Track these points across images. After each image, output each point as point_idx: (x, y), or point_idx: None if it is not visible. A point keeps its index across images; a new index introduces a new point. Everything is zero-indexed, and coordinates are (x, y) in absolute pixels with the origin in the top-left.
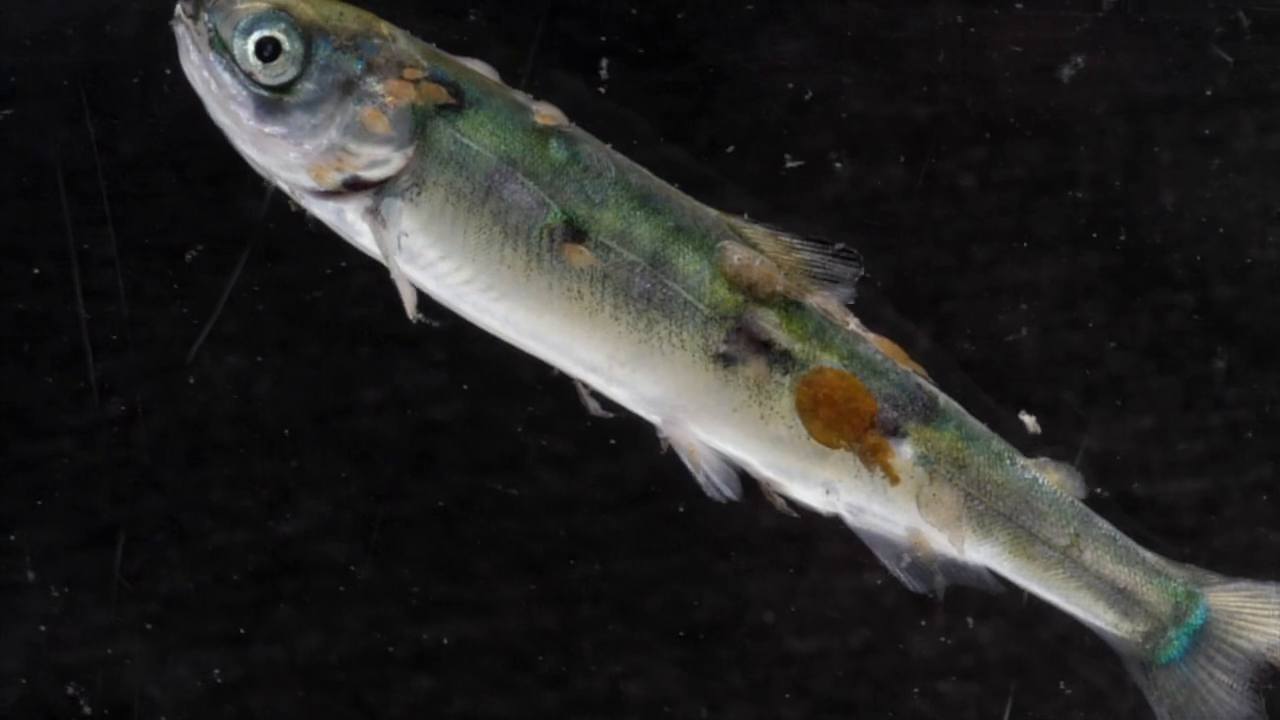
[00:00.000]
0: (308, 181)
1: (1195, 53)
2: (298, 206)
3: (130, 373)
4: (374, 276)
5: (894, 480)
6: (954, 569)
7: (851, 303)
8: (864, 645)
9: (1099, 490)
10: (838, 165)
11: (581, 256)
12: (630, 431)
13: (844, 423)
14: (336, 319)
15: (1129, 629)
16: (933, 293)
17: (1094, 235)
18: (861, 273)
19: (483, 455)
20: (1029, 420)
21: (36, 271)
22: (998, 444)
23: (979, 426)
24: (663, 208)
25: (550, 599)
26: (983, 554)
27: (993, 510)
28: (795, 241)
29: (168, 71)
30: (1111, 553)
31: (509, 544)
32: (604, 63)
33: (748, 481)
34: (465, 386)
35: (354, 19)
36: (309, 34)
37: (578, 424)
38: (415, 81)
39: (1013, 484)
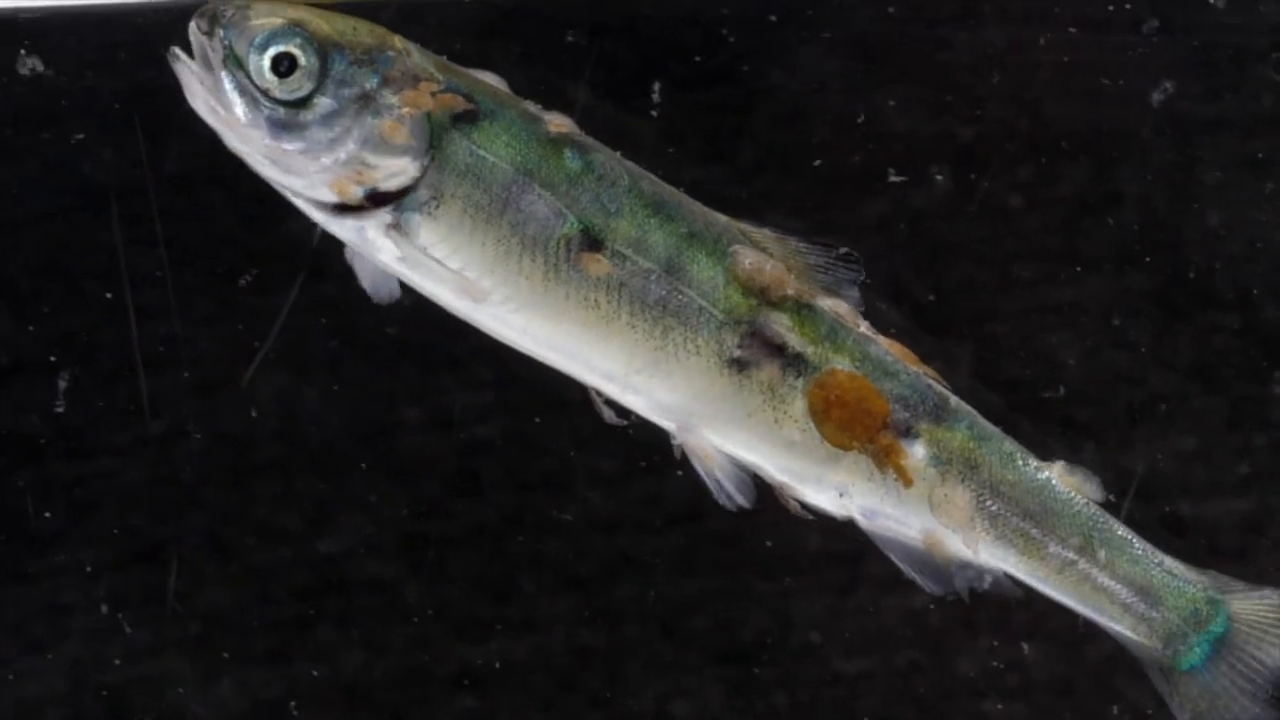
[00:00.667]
0: (330, 196)
1: (1243, 74)
2: (287, 231)
3: (175, 391)
4: (420, 295)
5: (907, 482)
6: (971, 572)
7: (862, 309)
8: (910, 666)
9: (1163, 508)
10: (888, 181)
11: (599, 265)
12: (676, 450)
13: (856, 424)
14: (382, 337)
15: (1148, 634)
16: (977, 312)
17: (1139, 256)
18: (861, 277)
19: (528, 474)
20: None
21: (82, 291)
22: (1010, 445)
23: (991, 427)
24: (675, 214)
25: (595, 618)
26: (997, 556)
27: (1005, 511)
28: (801, 245)
29: None
30: (1128, 556)
31: (554, 563)
32: (656, 86)
33: (767, 493)
34: (510, 405)
35: (368, 33)
36: (324, 49)
37: (623, 443)
38: (431, 93)
39: (1026, 484)
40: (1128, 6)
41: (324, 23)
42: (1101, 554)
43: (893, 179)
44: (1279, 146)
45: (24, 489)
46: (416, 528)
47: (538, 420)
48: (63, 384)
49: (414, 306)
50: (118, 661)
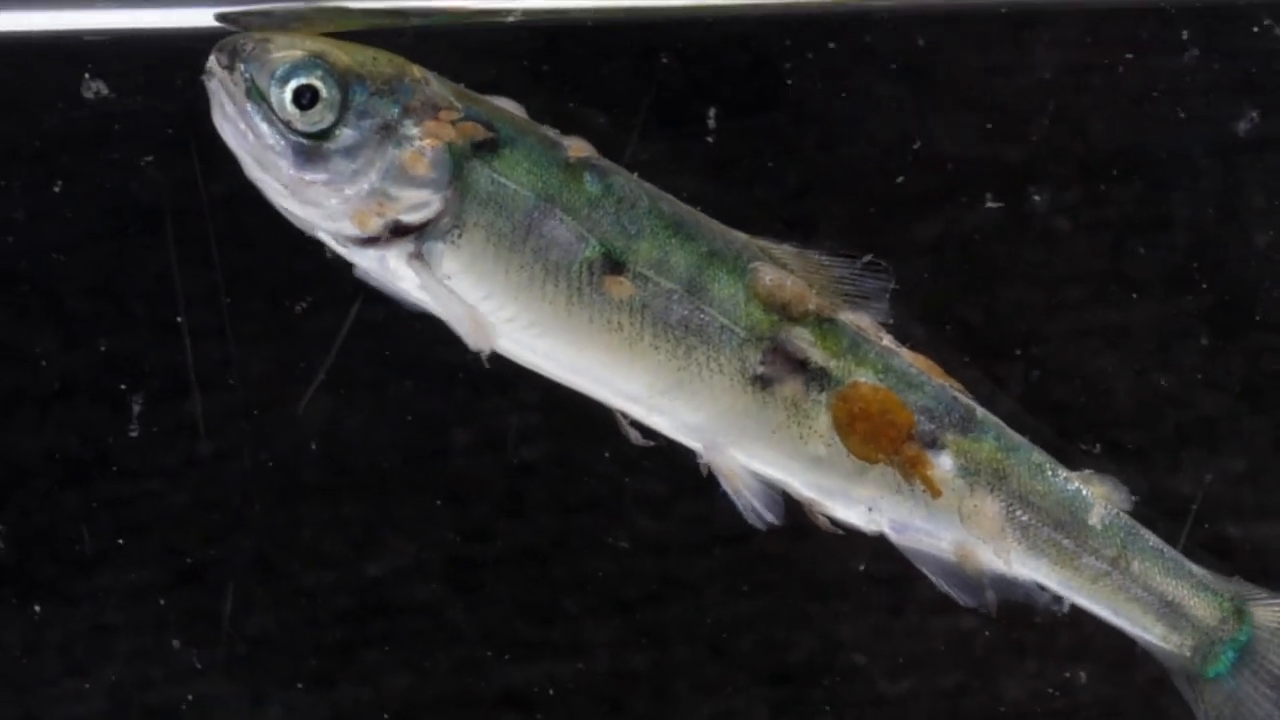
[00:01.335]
0: (351, 229)
1: None
2: (334, 255)
3: (223, 414)
4: None
5: (935, 493)
6: (1004, 584)
7: (890, 321)
8: (956, 687)
9: (1212, 530)
10: (985, 205)
11: (621, 288)
12: (702, 469)
13: (881, 436)
14: (428, 360)
15: (1177, 642)
16: (1025, 334)
17: (1188, 278)
18: (892, 285)
19: (574, 497)
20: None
21: (133, 313)
22: (1038, 455)
23: (1018, 437)
24: (695, 234)
25: (641, 640)
26: (1030, 567)
27: (1036, 521)
28: (824, 259)
29: None
30: (1159, 565)
31: (600, 585)
32: (711, 111)
33: (795, 508)
34: (557, 427)
35: (387, 63)
36: (345, 80)
37: (670, 465)
38: (452, 122)
39: (1056, 494)
40: (1177, 29)
41: (344, 54)
42: (1135, 564)
43: (990, 204)
44: None
45: (72, 510)
46: (463, 550)
47: (584, 442)
48: (136, 408)
49: None
50: (163, 684)
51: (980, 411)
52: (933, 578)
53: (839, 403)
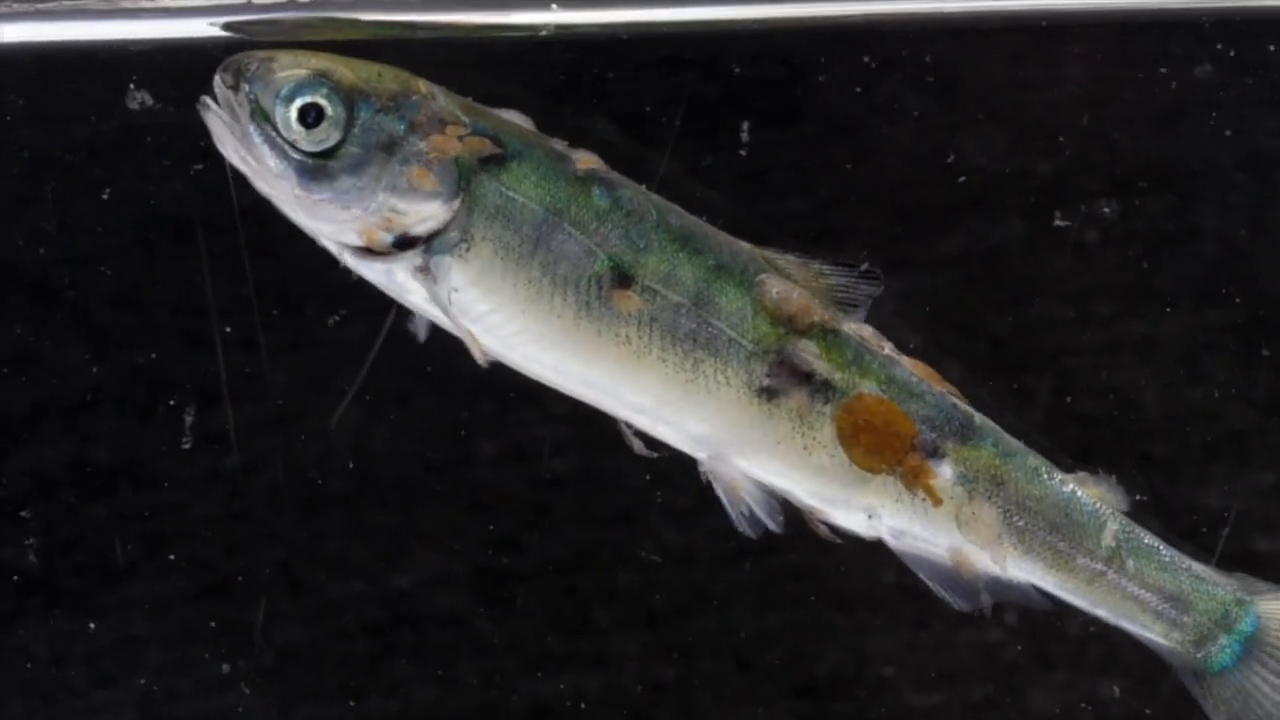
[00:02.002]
0: (358, 243)
1: None
2: (344, 266)
3: (250, 425)
4: None
5: (936, 502)
6: (999, 587)
7: (866, 320)
8: (984, 700)
9: (1241, 544)
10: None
11: (630, 302)
12: (702, 477)
13: (884, 447)
14: (455, 371)
15: (1179, 638)
16: (1054, 347)
17: (1218, 290)
18: (879, 291)
19: (601, 509)
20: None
21: (159, 323)
22: (1035, 459)
23: (1016, 443)
24: (703, 247)
25: (668, 653)
26: (1025, 570)
27: (1033, 525)
28: (824, 268)
29: None
30: (1156, 563)
31: (627, 597)
32: (745, 125)
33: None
34: (584, 439)
35: (392, 79)
36: (350, 97)
37: (696, 477)
38: (458, 137)
39: (1051, 498)
40: (1208, 42)
41: (349, 71)
42: (1130, 563)
43: (1058, 223)
44: None
45: (100, 522)
46: (490, 562)
47: (612, 455)
48: (188, 419)
49: None
50: (187, 696)
51: (978, 418)
52: (928, 582)
53: (843, 415)
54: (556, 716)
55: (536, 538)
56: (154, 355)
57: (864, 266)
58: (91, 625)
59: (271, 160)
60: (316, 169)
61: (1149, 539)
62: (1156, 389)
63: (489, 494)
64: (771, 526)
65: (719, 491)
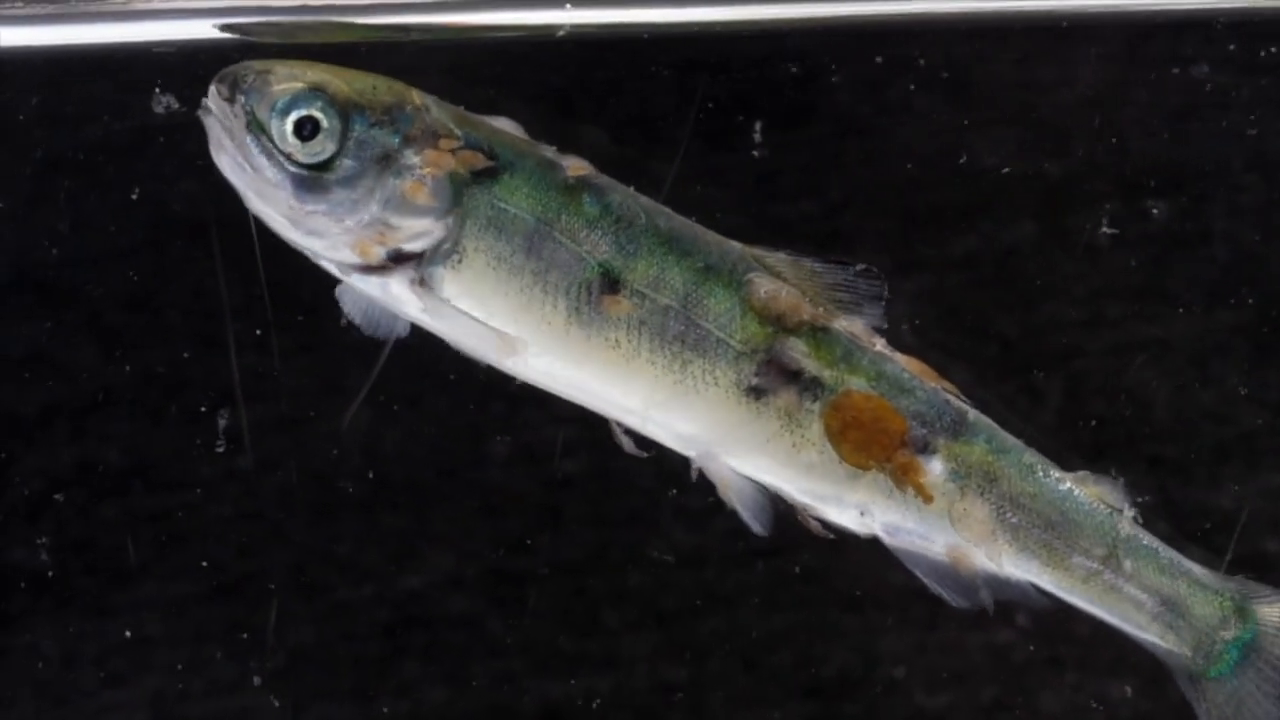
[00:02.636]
0: (353, 258)
1: None
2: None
3: (258, 426)
4: None
5: (927, 499)
6: (998, 584)
7: (884, 326)
8: (993, 701)
9: (1252, 546)
10: (1100, 231)
11: (619, 306)
12: (694, 474)
13: (874, 444)
14: (466, 373)
15: (1176, 642)
16: (1064, 349)
17: (1229, 292)
18: (885, 292)
19: (612, 510)
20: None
21: (165, 324)
22: (1030, 456)
23: (1010, 439)
24: (692, 249)
25: (678, 653)
26: (1022, 568)
27: (1027, 523)
28: (817, 266)
29: None
30: (1154, 565)
31: (638, 598)
32: (757, 125)
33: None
34: (595, 440)
35: (387, 91)
36: (346, 110)
37: (708, 478)
38: (452, 151)
39: (1046, 495)
40: (1220, 43)
41: (344, 83)
42: (1127, 563)
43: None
44: None
45: (111, 522)
46: (501, 563)
47: (622, 456)
48: (222, 422)
49: None
50: (200, 697)
51: (972, 414)
52: (925, 580)
53: (831, 412)
54: (567, 717)
55: (547, 539)
56: (167, 356)
57: (860, 266)
58: (103, 625)
59: (266, 172)
60: (311, 181)
61: (1149, 540)
62: (1167, 390)
63: (500, 495)
64: (759, 529)
65: (719, 490)
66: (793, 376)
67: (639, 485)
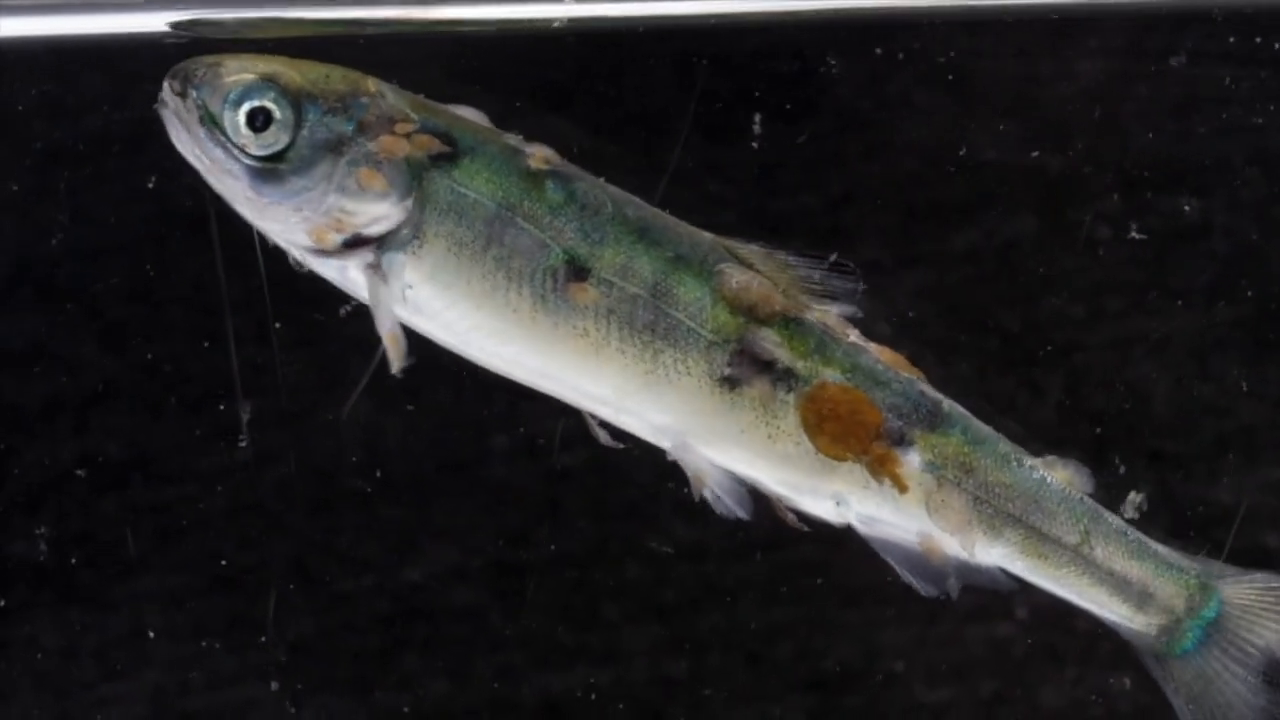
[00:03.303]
0: (310, 243)
1: None
2: (299, 264)
3: (258, 418)
4: None
5: (902, 489)
6: (967, 570)
7: (859, 316)
8: (993, 695)
9: (1252, 540)
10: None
11: (586, 295)
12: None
13: (850, 436)
14: (468, 365)
15: (1144, 622)
16: (1065, 344)
17: (1229, 286)
18: (860, 285)
19: (612, 503)
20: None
21: (164, 316)
22: (1004, 446)
23: (985, 429)
24: (661, 238)
25: (679, 646)
26: (994, 555)
27: (1002, 512)
28: (790, 258)
29: None
30: (1123, 548)
31: (638, 592)
32: (757, 118)
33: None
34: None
35: (341, 80)
36: (298, 100)
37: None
38: (407, 135)
39: (1020, 484)
40: (1221, 37)
41: (296, 74)
42: (1098, 548)
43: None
44: None
45: (111, 515)
46: (501, 556)
47: (622, 449)
48: (246, 416)
49: None
50: (199, 690)
51: (947, 404)
52: (896, 567)
53: (806, 404)
54: (567, 710)
55: (548, 532)
56: (167, 348)
57: (834, 259)
58: (103, 618)
59: (221, 164)
60: (267, 172)
61: (1116, 523)
62: (1168, 385)
63: (500, 488)
64: (741, 515)
65: (691, 481)
66: (766, 367)
67: (639, 478)
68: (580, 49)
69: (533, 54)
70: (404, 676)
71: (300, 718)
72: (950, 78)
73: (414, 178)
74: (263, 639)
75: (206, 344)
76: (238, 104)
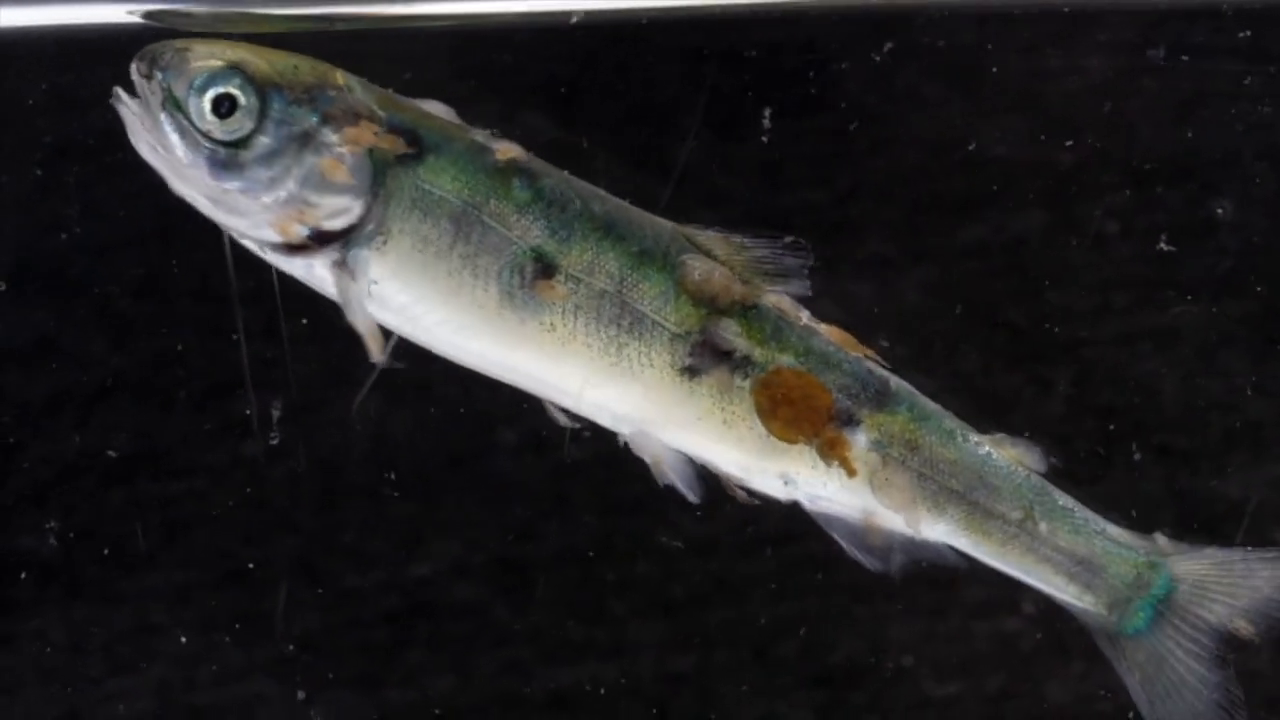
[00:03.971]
0: (274, 237)
1: None
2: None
3: (266, 413)
4: None
5: (850, 472)
6: (913, 547)
7: (809, 294)
8: (1001, 690)
9: (1259, 536)
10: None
11: (553, 292)
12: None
13: (803, 420)
14: None
15: (1092, 601)
16: (1071, 339)
17: (1237, 282)
18: (810, 262)
19: (619, 497)
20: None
21: (173, 310)
22: (950, 422)
23: (931, 406)
24: (626, 233)
25: (686, 642)
26: (939, 531)
27: (945, 488)
28: (746, 240)
29: None
30: (1069, 525)
31: (645, 587)
32: (766, 112)
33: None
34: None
35: (309, 71)
36: (264, 88)
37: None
38: (374, 131)
39: (965, 461)
40: (1230, 32)
41: (263, 62)
42: (1043, 525)
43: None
44: None
45: (119, 509)
46: (507, 551)
47: (586, 432)
48: (275, 414)
49: None
50: (205, 685)
51: (894, 382)
52: (842, 543)
53: (761, 389)
54: (574, 705)
55: (555, 526)
56: (175, 342)
57: (789, 239)
58: (110, 612)
59: (182, 150)
60: (228, 159)
61: (1064, 501)
62: (1175, 380)
63: (508, 483)
64: (692, 499)
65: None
66: (725, 356)
67: (647, 472)
68: (590, 44)
69: (543, 50)
70: (411, 671)
71: (308, 713)
72: (959, 73)
73: (378, 172)
74: (270, 634)
75: (214, 338)
76: (203, 90)
